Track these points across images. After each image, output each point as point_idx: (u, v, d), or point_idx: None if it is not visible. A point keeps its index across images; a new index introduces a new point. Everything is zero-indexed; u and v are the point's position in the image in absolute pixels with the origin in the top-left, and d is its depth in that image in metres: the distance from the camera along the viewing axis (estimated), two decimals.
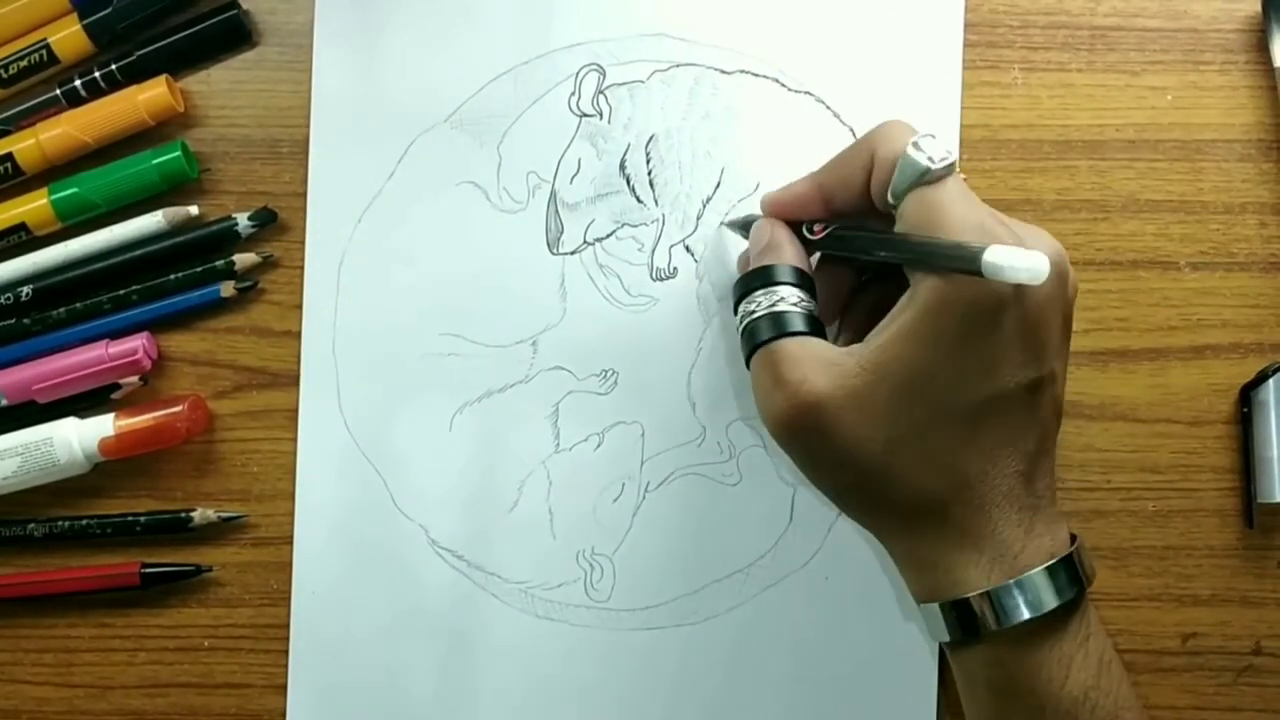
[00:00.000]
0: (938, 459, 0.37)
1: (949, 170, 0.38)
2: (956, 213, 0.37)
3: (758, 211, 0.45)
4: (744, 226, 0.46)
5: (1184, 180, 0.49)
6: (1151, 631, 0.49)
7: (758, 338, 0.40)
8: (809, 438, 0.38)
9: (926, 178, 0.38)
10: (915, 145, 0.38)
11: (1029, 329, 0.37)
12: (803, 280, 0.41)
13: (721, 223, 0.48)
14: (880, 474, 0.38)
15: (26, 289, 0.49)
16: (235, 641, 0.50)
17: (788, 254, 0.41)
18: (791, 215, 0.43)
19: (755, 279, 0.41)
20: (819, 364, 0.38)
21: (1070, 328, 0.39)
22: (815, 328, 0.40)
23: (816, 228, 0.42)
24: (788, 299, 0.40)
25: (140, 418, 0.48)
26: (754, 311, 0.40)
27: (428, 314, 0.49)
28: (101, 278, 0.49)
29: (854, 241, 0.41)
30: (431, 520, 0.49)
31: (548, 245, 0.49)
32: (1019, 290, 0.36)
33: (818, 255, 0.43)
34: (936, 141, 0.38)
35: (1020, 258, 0.34)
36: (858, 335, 0.40)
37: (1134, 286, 0.49)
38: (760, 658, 0.48)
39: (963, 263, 0.35)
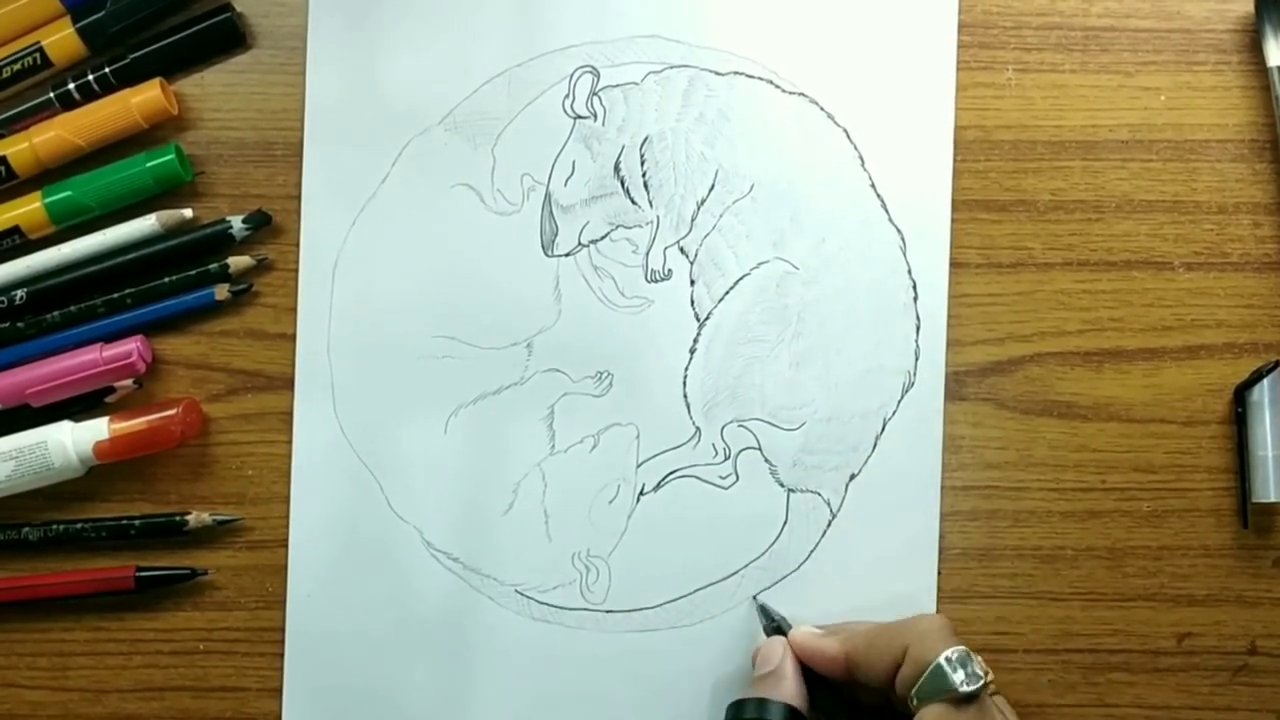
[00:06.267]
0: None
1: (978, 692, 0.39)
2: None
3: (791, 618, 0.47)
4: (769, 619, 0.47)
5: (1178, 180, 0.49)
6: (1147, 631, 0.49)
7: None
8: None
9: (952, 695, 0.39)
10: (949, 660, 0.39)
11: None
12: None
13: (754, 596, 0.48)
14: None
15: (20, 292, 0.49)
16: (230, 645, 0.50)
17: (787, 689, 0.43)
18: (811, 665, 0.44)
19: (748, 709, 0.43)
20: None
21: None
22: None
23: None
24: None
25: (135, 421, 0.48)
26: None
27: (422, 317, 0.49)
28: (95, 281, 0.49)
29: None
30: (426, 523, 0.49)
31: (542, 247, 0.49)
32: None
33: None
34: (971, 658, 0.40)
35: None
36: None
37: (1128, 287, 0.49)
38: None
39: None
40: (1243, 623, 0.49)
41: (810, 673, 0.44)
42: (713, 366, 0.49)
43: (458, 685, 0.49)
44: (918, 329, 0.49)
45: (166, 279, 0.49)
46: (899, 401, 0.48)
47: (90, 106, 0.49)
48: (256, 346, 0.50)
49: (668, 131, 0.49)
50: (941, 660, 0.40)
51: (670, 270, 0.49)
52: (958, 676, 0.39)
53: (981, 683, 0.40)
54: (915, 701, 0.40)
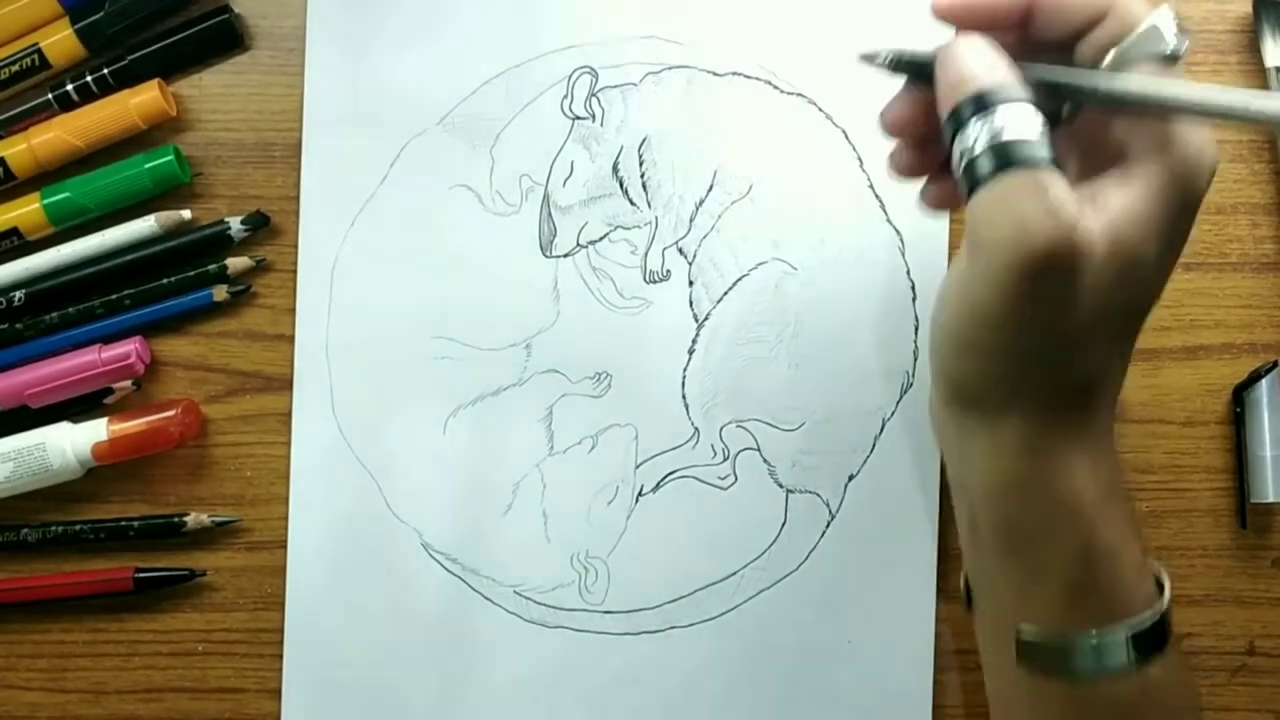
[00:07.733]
0: (1114, 347, 0.35)
1: (1183, 57, 0.36)
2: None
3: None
4: (906, 64, 0.38)
5: None
6: None
7: (1017, 156, 0.33)
8: (1054, 283, 0.33)
9: (1163, 57, 0.35)
10: (1163, 22, 0.35)
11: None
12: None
13: (867, 57, 0.39)
14: (1075, 346, 0.34)
15: (19, 294, 0.49)
16: (229, 646, 0.50)
17: (1005, 72, 0.35)
18: (980, 25, 0.37)
19: (995, 95, 0.34)
20: (1084, 210, 0.33)
21: None
22: None
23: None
24: (1038, 125, 0.33)
25: (133, 422, 0.48)
26: (1000, 132, 0.33)
27: (421, 317, 0.49)
28: (94, 282, 0.49)
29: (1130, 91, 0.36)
30: (425, 524, 0.49)
31: (541, 248, 0.49)
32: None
33: None
34: (1176, 24, 0.35)
35: None
36: None
37: None
38: (755, 662, 0.48)
39: None
40: (1241, 623, 0.49)
41: None
42: (711, 367, 0.49)
43: (457, 686, 0.49)
44: (916, 329, 0.49)
45: (165, 280, 0.49)
46: (898, 402, 0.49)
47: (89, 108, 0.49)
48: (255, 347, 0.50)
49: (666, 132, 0.49)
50: (1158, 19, 0.34)
51: (669, 271, 0.49)
52: (1174, 35, 0.35)
53: (1189, 45, 0.36)
54: (1112, 64, 0.35)
